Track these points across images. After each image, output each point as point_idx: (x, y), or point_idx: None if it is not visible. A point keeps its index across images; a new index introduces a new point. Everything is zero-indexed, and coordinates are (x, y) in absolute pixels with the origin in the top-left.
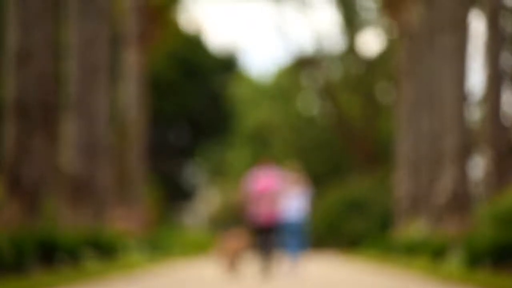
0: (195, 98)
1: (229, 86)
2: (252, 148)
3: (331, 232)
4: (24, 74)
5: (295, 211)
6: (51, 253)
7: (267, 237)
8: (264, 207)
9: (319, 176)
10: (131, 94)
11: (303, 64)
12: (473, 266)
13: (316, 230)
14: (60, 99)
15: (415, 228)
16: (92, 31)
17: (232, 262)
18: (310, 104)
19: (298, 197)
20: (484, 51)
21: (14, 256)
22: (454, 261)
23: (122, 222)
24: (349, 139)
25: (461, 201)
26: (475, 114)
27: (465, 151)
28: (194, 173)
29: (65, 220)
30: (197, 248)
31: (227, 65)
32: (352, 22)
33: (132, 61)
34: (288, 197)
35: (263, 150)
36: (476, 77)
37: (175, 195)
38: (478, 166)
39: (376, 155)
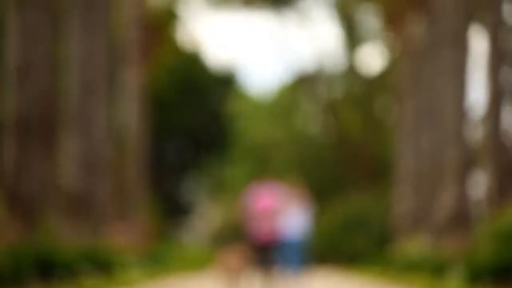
0: (194, 114)
1: (228, 103)
2: (252, 164)
3: (332, 248)
4: (24, 90)
5: (296, 228)
6: (49, 268)
7: (268, 255)
8: (265, 225)
9: (320, 193)
10: (131, 110)
11: (304, 81)
12: (474, 284)
13: (317, 246)
14: (59, 114)
15: (415, 245)
16: (92, 46)
17: (233, 279)
18: (310, 121)
19: (299, 214)
20: (485, 67)
21: (13, 271)
22: (455, 278)
23: (121, 238)
24: (349, 156)
25: (461, 218)
26: (476, 131)
27: (466, 168)
28: (194, 189)
29: (64, 235)
30: (197, 264)
31: (226, 82)
32: (353, 39)
33: (132, 77)
34: (289, 214)
35: (263, 167)
36: (477, 93)
37: (174, 211)
38: (479, 183)
39: (377, 172)
